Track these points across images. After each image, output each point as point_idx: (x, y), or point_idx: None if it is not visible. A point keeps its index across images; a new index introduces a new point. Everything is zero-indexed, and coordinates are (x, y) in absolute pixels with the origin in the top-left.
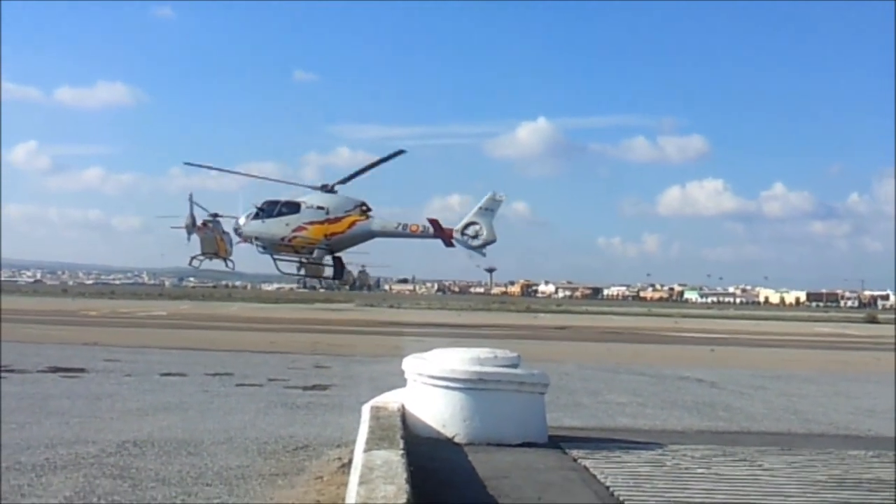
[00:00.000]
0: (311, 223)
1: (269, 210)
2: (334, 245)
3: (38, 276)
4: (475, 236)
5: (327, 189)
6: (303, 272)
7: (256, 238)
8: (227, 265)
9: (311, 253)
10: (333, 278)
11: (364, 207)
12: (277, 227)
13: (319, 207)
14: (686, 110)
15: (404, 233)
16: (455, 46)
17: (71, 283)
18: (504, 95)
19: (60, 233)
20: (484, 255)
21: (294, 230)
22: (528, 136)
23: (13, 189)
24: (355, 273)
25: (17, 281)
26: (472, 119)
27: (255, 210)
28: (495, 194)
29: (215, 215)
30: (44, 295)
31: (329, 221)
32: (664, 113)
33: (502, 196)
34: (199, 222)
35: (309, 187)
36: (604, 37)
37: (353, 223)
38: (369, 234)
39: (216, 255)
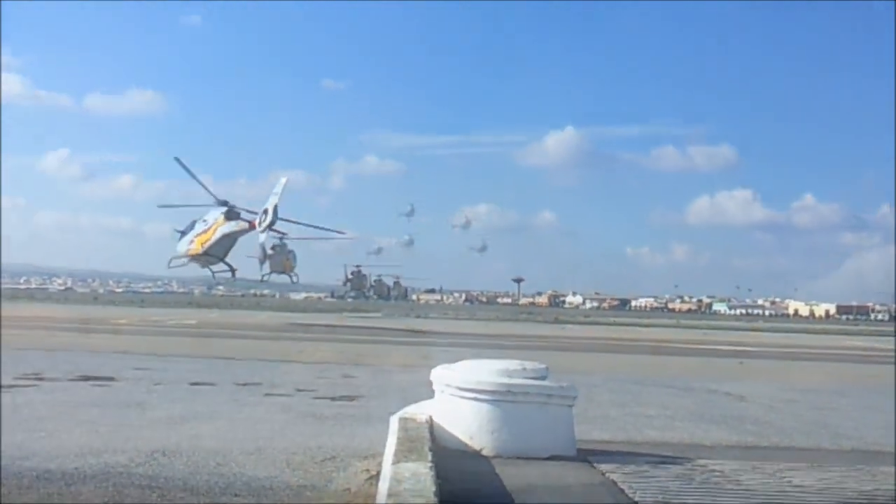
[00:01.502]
0: (198, 235)
1: (183, 230)
2: (210, 251)
3: (69, 283)
4: (266, 219)
5: (224, 204)
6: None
7: (176, 257)
8: (291, 280)
9: (210, 263)
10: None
11: (228, 211)
12: (184, 243)
13: (203, 220)
14: (715, 119)
15: (247, 230)
16: (484, 55)
17: (101, 290)
18: (532, 104)
19: (91, 240)
20: (269, 231)
21: (189, 244)
22: (556, 145)
23: (45, 197)
24: (390, 284)
25: (47, 288)
26: (500, 128)
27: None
28: (280, 178)
29: (281, 238)
30: (74, 302)
31: (205, 231)
32: (693, 122)
33: (286, 178)
34: (268, 248)
35: (216, 202)
36: (632, 45)
37: (216, 230)
38: (229, 237)
39: (283, 271)
